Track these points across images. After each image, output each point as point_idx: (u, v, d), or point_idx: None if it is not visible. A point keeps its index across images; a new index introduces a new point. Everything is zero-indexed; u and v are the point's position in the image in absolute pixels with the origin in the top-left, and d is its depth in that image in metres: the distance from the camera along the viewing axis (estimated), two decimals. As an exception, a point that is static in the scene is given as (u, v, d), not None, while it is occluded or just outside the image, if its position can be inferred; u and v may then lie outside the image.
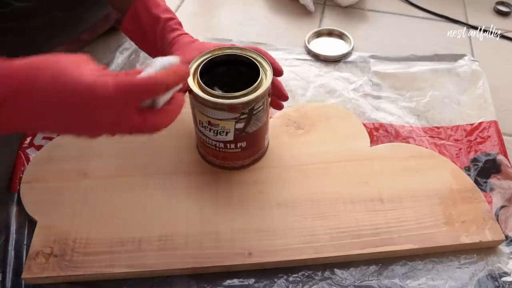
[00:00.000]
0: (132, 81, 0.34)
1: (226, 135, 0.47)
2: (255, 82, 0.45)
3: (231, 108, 0.44)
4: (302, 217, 0.49)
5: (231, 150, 0.49)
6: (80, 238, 0.47)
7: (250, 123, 0.47)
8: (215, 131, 0.47)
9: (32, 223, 0.48)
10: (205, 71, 0.47)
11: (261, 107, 0.46)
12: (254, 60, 0.47)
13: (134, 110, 0.35)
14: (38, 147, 0.55)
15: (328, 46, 0.74)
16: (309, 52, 0.72)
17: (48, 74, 0.33)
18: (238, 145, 0.49)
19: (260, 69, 0.46)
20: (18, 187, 0.51)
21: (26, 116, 0.33)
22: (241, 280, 0.46)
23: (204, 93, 0.44)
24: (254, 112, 0.46)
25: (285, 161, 0.54)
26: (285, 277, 0.46)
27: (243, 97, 0.44)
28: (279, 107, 0.52)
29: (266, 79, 0.46)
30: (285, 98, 0.51)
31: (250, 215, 0.49)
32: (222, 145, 0.49)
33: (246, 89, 0.44)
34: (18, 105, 0.32)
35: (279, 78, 0.51)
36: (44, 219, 0.48)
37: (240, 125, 0.46)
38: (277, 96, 0.51)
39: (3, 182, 0.51)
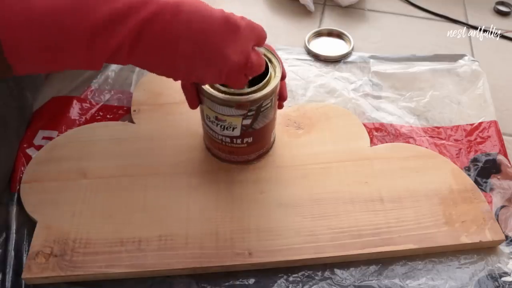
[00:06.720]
0: (255, 23, 0.41)
1: (232, 130, 0.47)
2: (264, 79, 0.45)
3: (239, 105, 0.44)
4: (302, 217, 0.49)
5: (237, 145, 0.49)
6: (80, 238, 0.47)
7: (257, 119, 0.46)
8: (222, 126, 0.47)
9: (32, 223, 0.48)
10: None
11: (269, 104, 0.46)
12: (264, 57, 0.46)
13: (252, 47, 0.41)
14: (38, 147, 0.55)
15: (328, 46, 0.74)
16: (309, 52, 0.72)
17: (192, 3, 0.37)
18: (245, 140, 0.49)
19: (270, 66, 0.46)
20: (18, 187, 0.51)
21: (165, 38, 0.36)
22: (241, 280, 0.46)
23: (213, 88, 0.44)
24: (262, 109, 0.46)
25: (285, 161, 0.54)
26: (285, 277, 0.46)
27: (251, 94, 0.44)
28: (278, 107, 0.52)
29: (275, 77, 0.46)
30: (284, 98, 0.51)
31: (250, 215, 0.49)
32: (228, 140, 0.48)
33: (255, 86, 0.44)
34: (162, 24, 0.35)
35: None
36: (44, 219, 0.48)
37: (247, 122, 0.46)
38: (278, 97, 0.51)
39: (3, 182, 0.51)
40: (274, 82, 0.45)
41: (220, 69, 0.39)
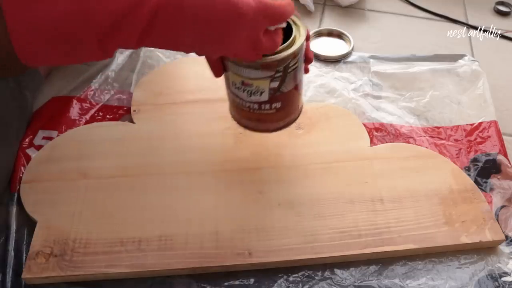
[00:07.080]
0: (268, 3, 0.39)
1: (260, 95, 0.46)
2: (289, 39, 0.44)
3: (265, 66, 0.43)
4: (302, 217, 0.49)
5: (266, 111, 0.47)
6: (80, 238, 0.47)
7: (285, 81, 0.45)
8: (249, 92, 0.45)
9: (32, 223, 0.48)
10: None
11: (296, 64, 0.45)
12: (280, 36, 0.44)
13: (263, 30, 0.40)
14: (38, 147, 0.55)
15: (328, 46, 0.74)
16: (309, 52, 0.72)
17: None
18: (273, 106, 0.47)
19: (293, 25, 0.45)
20: (18, 187, 0.51)
21: (170, 30, 0.36)
22: (241, 280, 0.46)
23: None
24: (289, 70, 0.44)
25: (285, 161, 0.54)
26: (285, 277, 0.46)
27: (278, 54, 0.43)
28: (305, 72, 0.50)
29: (300, 36, 0.45)
30: (310, 60, 0.49)
31: (250, 215, 0.49)
32: (256, 106, 0.47)
33: (280, 45, 0.43)
34: (167, 17, 0.35)
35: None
36: (44, 219, 0.48)
37: (274, 84, 0.45)
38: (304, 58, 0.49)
39: (3, 182, 0.51)
40: (299, 41, 0.44)
41: (225, 53, 0.41)
